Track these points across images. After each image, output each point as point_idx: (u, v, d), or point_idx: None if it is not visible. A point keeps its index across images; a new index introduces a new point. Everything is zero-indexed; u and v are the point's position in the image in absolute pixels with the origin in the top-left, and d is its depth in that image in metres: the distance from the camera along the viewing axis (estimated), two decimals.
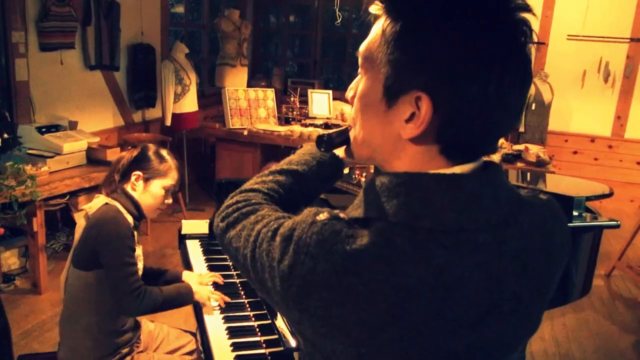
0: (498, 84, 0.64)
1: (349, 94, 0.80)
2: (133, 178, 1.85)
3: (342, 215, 0.69)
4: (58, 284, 1.97)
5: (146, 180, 1.87)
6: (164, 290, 1.81)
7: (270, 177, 0.93)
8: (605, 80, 5.82)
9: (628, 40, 5.68)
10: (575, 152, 6.09)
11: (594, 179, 4.37)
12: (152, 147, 1.93)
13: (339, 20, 4.04)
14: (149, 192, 1.88)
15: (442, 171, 0.68)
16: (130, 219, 1.83)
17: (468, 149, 0.70)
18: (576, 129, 6.08)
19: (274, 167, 0.96)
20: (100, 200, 1.83)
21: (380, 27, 0.70)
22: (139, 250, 1.88)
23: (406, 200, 0.67)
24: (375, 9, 0.72)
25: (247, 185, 0.92)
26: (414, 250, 0.64)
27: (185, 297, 1.83)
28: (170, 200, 1.97)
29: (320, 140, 0.92)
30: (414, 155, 0.71)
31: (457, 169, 0.69)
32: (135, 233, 1.86)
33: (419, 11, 0.66)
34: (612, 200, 2.77)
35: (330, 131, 0.94)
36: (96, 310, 1.79)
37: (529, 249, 0.72)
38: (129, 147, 1.96)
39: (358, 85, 0.77)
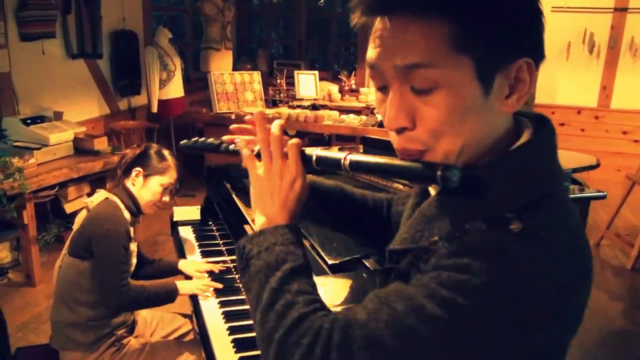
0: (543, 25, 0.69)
1: (401, 123, 0.67)
2: (133, 174, 1.94)
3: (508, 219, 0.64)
4: (52, 275, 1.99)
5: (145, 176, 1.95)
6: (147, 288, 1.86)
7: (289, 296, 0.70)
8: (590, 52, 5.83)
9: (612, 10, 5.69)
10: (562, 124, 6.13)
11: (581, 150, 4.41)
12: (154, 147, 2.02)
13: (322, 1, 4.00)
14: (147, 188, 1.96)
15: (529, 136, 0.70)
16: (127, 215, 1.90)
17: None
18: (562, 100, 6.11)
19: (261, 285, 0.72)
20: (101, 194, 1.91)
21: (431, 22, 0.63)
22: (133, 246, 1.94)
23: (546, 171, 0.69)
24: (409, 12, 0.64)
25: (285, 325, 0.67)
26: (569, 203, 0.69)
27: (169, 295, 1.89)
28: (168, 199, 2.02)
29: (450, 170, 0.62)
30: (505, 125, 0.71)
31: (530, 129, 0.72)
32: (132, 229, 1.92)
33: None
34: (598, 171, 2.80)
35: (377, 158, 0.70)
36: (88, 297, 1.83)
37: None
38: (134, 146, 2.07)
39: (415, 102, 0.66)
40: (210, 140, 0.96)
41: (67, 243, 1.91)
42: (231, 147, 0.92)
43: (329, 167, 0.76)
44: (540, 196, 0.65)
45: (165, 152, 2.01)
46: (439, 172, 0.62)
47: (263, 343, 0.70)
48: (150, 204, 1.98)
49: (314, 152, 0.77)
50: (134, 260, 1.96)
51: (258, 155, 0.81)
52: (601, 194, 1.95)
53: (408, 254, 0.72)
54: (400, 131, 0.68)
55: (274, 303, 0.70)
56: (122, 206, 1.89)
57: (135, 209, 1.94)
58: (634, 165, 5.06)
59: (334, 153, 0.75)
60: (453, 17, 0.62)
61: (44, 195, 3.52)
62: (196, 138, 1.02)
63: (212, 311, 1.72)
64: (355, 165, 0.71)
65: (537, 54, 0.66)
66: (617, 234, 4.17)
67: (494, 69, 0.65)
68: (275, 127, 0.79)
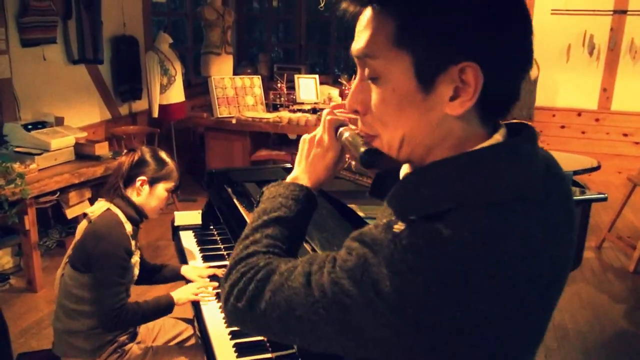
0: (526, 35, 0.67)
1: (354, 105, 0.74)
2: (138, 184, 1.90)
3: (405, 220, 0.65)
4: (53, 281, 1.99)
5: (151, 184, 1.92)
6: (142, 307, 1.84)
7: (259, 235, 0.82)
8: (590, 54, 5.84)
9: (611, 13, 5.70)
10: (562, 127, 6.13)
11: (582, 153, 4.41)
12: (148, 150, 1.96)
13: (322, 4, 4.01)
14: (154, 195, 1.93)
15: (492, 142, 0.69)
16: (129, 227, 1.87)
17: (502, 111, 0.71)
18: (563, 103, 6.11)
19: (252, 223, 0.85)
20: (102, 205, 1.87)
21: (381, 16, 0.68)
22: (135, 258, 1.92)
23: (477, 180, 0.65)
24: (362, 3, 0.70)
25: (239, 254, 0.81)
26: (503, 226, 0.63)
27: (166, 309, 1.88)
28: (170, 200, 1.99)
29: (372, 155, 0.75)
30: (459, 130, 0.69)
31: (499, 136, 0.70)
32: (134, 243, 1.89)
33: None
34: (599, 173, 2.80)
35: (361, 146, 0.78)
36: (89, 308, 1.82)
37: (570, 216, 0.73)
38: (125, 152, 1.99)
39: (368, 89, 0.72)
40: None
41: (69, 251, 1.89)
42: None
43: (345, 148, 0.86)
44: (453, 207, 0.63)
45: (163, 155, 1.98)
46: (359, 154, 0.75)
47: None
48: (157, 209, 1.97)
49: (345, 133, 0.85)
50: (136, 272, 1.94)
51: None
52: (602, 195, 1.95)
53: None
54: (356, 114, 0.76)
55: (247, 237, 0.83)
56: (123, 218, 1.86)
57: (139, 216, 1.92)
58: (634, 167, 5.07)
59: (357, 139, 0.81)
60: (396, 14, 0.66)
61: (46, 201, 3.53)
62: None
63: (213, 316, 1.72)
64: (343, 141, 0.84)
65: (488, 60, 0.65)
66: (618, 236, 4.17)
67: (433, 68, 0.66)
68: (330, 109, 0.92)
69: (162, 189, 1.94)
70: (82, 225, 1.89)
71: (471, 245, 0.61)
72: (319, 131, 0.91)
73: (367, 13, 0.70)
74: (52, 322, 1.94)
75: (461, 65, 0.64)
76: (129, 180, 1.91)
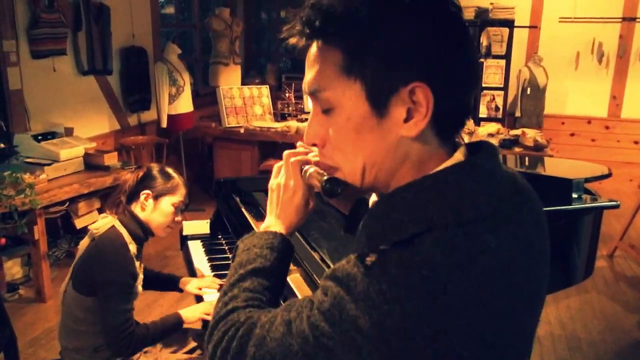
0: (468, 51, 0.68)
1: (312, 139, 0.75)
2: (142, 197, 1.87)
3: (376, 251, 0.64)
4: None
5: (155, 198, 1.89)
6: (150, 328, 1.83)
7: (237, 290, 0.80)
8: (599, 61, 5.81)
9: (620, 20, 5.67)
10: (572, 135, 6.09)
11: (592, 161, 4.37)
12: (156, 166, 1.96)
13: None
14: (159, 210, 1.90)
15: (453, 161, 0.69)
16: (133, 247, 1.83)
17: (457, 127, 0.71)
18: (572, 111, 6.08)
19: (229, 278, 0.84)
20: (107, 221, 1.83)
21: (326, 49, 0.68)
22: (140, 275, 1.90)
23: (444, 201, 0.64)
24: (305, 38, 0.71)
25: (219, 313, 0.79)
26: (475, 245, 0.62)
27: (174, 329, 1.87)
28: (180, 218, 1.98)
29: (333, 184, 0.74)
30: (418, 151, 0.70)
31: (459, 154, 0.70)
32: (138, 263, 1.86)
33: (375, 17, 0.65)
34: (611, 181, 2.77)
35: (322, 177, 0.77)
36: (93, 330, 1.81)
37: (541, 230, 0.73)
38: (133, 168, 1.98)
39: (324, 122, 0.72)
40: None
41: (71, 270, 1.86)
42: None
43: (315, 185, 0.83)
44: (425, 230, 0.62)
45: (170, 170, 1.96)
46: (321, 184, 0.74)
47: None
48: (164, 227, 1.93)
49: (310, 169, 0.84)
50: (140, 289, 1.91)
51: None
52: (614, 203, 1.93)
53: None
54: (315, 146, 0.76)
55: (226, 294, 0.82)
56: (128, 238, 1.82)
57: (144, 234, 1.88)
58: None
59: (318, 174, 0.80)
60: (339, 44, 0.67)
61: (55, 211, 3.54)
62: None
63: None
64: (307, 176, 0.83)
65: (435, 78, 0.65)
66: (631, 245, 4.12)
67: (383, 92, 0.66)
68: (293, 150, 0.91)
69: (167, 203, 1.90)
70: (85, 242, 1.85)
71: (445, 267, 0.60)
72: (283, 176, 0.89)
73: (313, 48, 0.71)
74: (57, 337, 1.93)
75: (411, 86, 0.65)
76: (134, 196, 1.89)
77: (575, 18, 5.63)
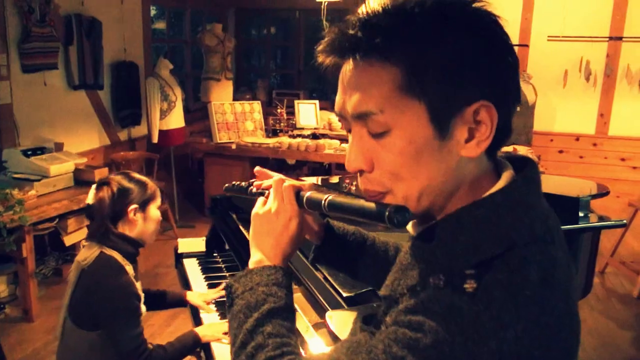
0: (517, 69, 0.68)
1: (358, 165, 0.69)
2: (131, 214, 1.77)
3: (463, 275, 0.61)
4: (50, 310, 1.92)
5: (142, 210, 1.81)
6: (168, 349, 1.75)
7: (260, 338, 0.73)
8: (587, 79, 5.89)
9: (607, 39, 5.76)
10: (560, 151, 6.14)
11: (581, 177, 4.41)
12: (120, 177, 1.80)
13: (326, 31, 4.03)
14: (149, 219, 1.83)
15: (508, 178, 0.68)
16: (130, 269, 1.75)
17: (502, 145, 0.70)
18: (561, 128, 6.14)
19: (240, 325, 0.76)
20: (94, 251, 1.72)
21: (380, 67, 0.64)
22: (142, 294, 1.81)
23: (516, 219, 0.63)
24: (362, 57, 0.65)
25: None
26: (550, 261, 0.63)
27: (193, 347, 1.77)
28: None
29: (404, 214, 0.66)
30: (474, 171, 0.68)
31: (510, 171, 0.69)
32: (138, 284, 1.78)
33: (431, 37, 0.63)
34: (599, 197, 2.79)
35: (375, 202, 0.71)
36: None
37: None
38: (94, 187, 1.79)
39: (372, 146, 0.68)
40: (244, 183, 1.03)
41: (65, 309, 1.75)
42: (253, 189, 0.98)
43: (315, 207, 0.79)
44: (506, 250, 0.61)
45: (137, 176, 1.84)
46: (387, 212, 0.65)
47: None
48: (155, 233, 1.88)
49: (307, 194, 0.81)
50: (144, 309, 1.82)
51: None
52: (622, 222, 1.94)
53: (384, 301, 0.73)
54: (360, 173, 0.70)
55: (246, 344, 0.73)
56: (121, 260, 1.73)
57: (135, 249, 1.81)
58: (633, 191, 5.07)
59: (320, 195, 0.78)
60: (400, 63, 0.63)
61: (44, 228, 3.48)
62: (235, 182, 1.07)
63: (221, 347, 1.68)
64: (331, 206, 0.75)
65: (497, 96, 0.64)
66: (621, 262, 4.14)
67: (447, 112, 0.64)
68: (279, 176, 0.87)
69: (154, 209, 1.84)
70: (74, 274, 1.74)
71: (541, 286, 0.60)
72: (271, 203, 0.84)
73: (355, 66, 0.66)
74: None
75: (476, 105, 0.64)
76: (117, 216, 1.77)
77: (563, 37, 5.71)
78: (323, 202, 0.77)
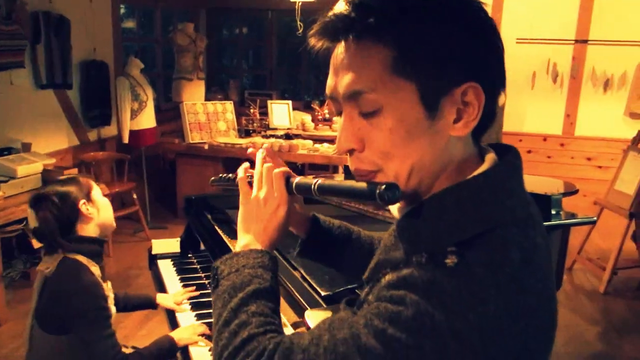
0: (503, 53, 0.69)
1: (349, 145, 0.70)
2: (84, 209, 1.73)
3: (446, 252, 0.62)
4: (18, 314, 1.88)
5: (90, 200, 1.77)
6: (145, 354, 1.72)
7: (244, 316, 0.73)
8: (554, 81, 6.02)
9: (573, 42, 5.91)
10: (529, 151, 6.27)
11: (549, 177, 4.51)
12: (54, 186, 1.76)
13: (300, 31, 4.04)
14: (101, 205, 1.79)
15: (491, 162, 0.70)
16: (96, 269, 1.72)
17: (487, 128, 0.72)
18: (529, 128, 6.26)
19: (224, 305, 0.76)
20: (56, 257, 1.69)
21: (371, 47, 0.66)
22: (110, 294, 1.79)
23: (498, 201, 0.65)
24: (352, 39, 0.67)
25: (231, 344, 0.72)
26: (531, 243, 0.65)
27: (169, 351, 1.73)
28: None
29: (394, 191, 0.66)
30: (461, 153, 0.70)
31: (492, 155, 0.71)
32: (105, 285, 1.75)
33: (422, 18, 0.65)
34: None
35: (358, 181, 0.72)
36: None
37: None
38: (31, 204, 1.73)
39: (364, 125, 0.69)
40: (231, 175, 1.00)
41: (32, 314, 1.71)
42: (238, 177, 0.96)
43: (305, 192, 0.81)
44: (487, 230, 0.63)
45: (64, 177, 1.82)
46: (377, 190, 0.66)
47: (215, 358, 0.74)
48: (112, 215, 1.84)
49: (296, 179, 0.82)
50: (113, 310, 1.79)
51: (252, 183, 0.88)
52: (592, 219, 1.99)
53: (367, 284, 0.74)
54: (351, 153, 0.71)
55: (230, 322, 0.73)
56: (85, 260, 1.70)
57: (99, 246, 1.77)
58: (598, 190, 5.20)
59: (309, 180, 0.80)
60: (392, 43, 0.65)
61: (11, 230, 3.39)
62: (221, 174, 1.05)
63: (200, 350, 1.66)
64: (321, 189, 0.76)
65: (484, 79, 0.66)
66: (588, 258, 4.25)
67: (437, 92, 0.66)
68: (262, 153, 0.88)
69: (98, 196, 1.80)
70: (39, 282, 1.71)
71: (522, 265, 0.62)
72: (260, 190, 0.84)
73: (347, 47, 0.68)
74: None
75: (464, 86, 0.65)
76: (71, 220, 1.72)
77: (531, 39, 5.83)
78: (313, 186, 0.77)
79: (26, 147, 3.89)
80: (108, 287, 1.81)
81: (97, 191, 1.80)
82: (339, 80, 0.69)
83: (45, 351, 1.70)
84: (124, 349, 1.71)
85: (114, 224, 1.87)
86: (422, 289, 0.60)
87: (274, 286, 0.79)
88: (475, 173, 0.67)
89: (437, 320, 0.58)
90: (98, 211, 1.78)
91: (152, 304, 2.02)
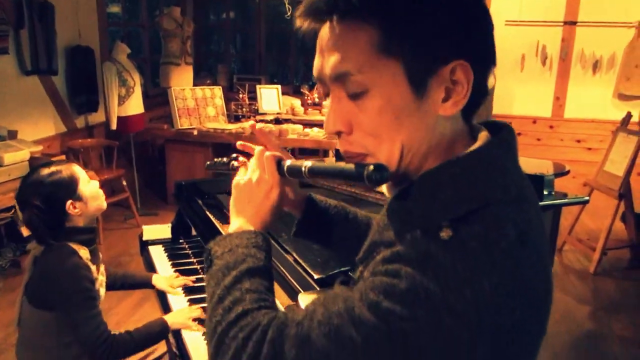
0: (492, 31, 0.68)
1: (336, 127, 0.70)
2: (71, 210, 1.69)
3: (442, 226, 0.62)
4: (7, 303, 1.87)
5: (78, 197, 1.71)
6: (134, 335, 1.71)
7: (238, 293, 0.73)
8: (543, 63, 6.03)
9: (562, 24, 5.91)
10: (519, 134, 6.28)
11: (539, 159, 4.53)
12: (36, 187, 1.67)
13: (289, 13, 3.99)
14: (89, 198, 1.74)
15: (484, 139, 0.68)
16: (85, 252, 1.71)
17: (478, 106, 0.71)
18: (519, 111, 6.28)
19: (219, 282, 0.76)
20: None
21: (357, 27, 0.64)
22: (100, 278, 1.79)
23: (491, 178, 0.65)
24: (335, 20, 0.66)
25: (225, 319, 0.70)
26: (525, 219, 0.64)
27: (160, 335, 1.74)
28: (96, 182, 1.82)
29: (382, 172, 0.66)
30: (450, 132, 0.69)
31: (485, 133, 0.70)
32: (94, 267, 1.74)
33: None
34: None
35: (344, 162, 0.73)
36: (58, 352, 1.70)
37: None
38: (12, 208, 1.70)
39: (351, 107, 0.68)
40: (225, 159, 1.02)
41: (22, 289, 1.73)
42: (234, 164, 0.98)
43: (296, 175, 0.81)
44: (482, 206, 0.62)
45: (46, 172, 1.68)
46: (365, 171, 0.65)
47: (208, 336, 0.73)
48: (101, 201, 1.79)
49: (287, 162, 0.83)
50: (102, 293, 1.79)
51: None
52: (585, 198, 2.00)
53: (360, 264, 0.74)
54: (339, 135, 0.71)
55: (224, 299, 0.73)
56: (74, 245, 1.69)
57: (90, 233, 1.76)
58: (587, 172, 5.24)
59: (300, 162, 0.80)
60: (377, 22, 0.63)
61: (0, 218, 3.36)
62: (216, 159, 1.07)
63: (197, 345, 1.65)
64: (312, 171, 0.77)
65: (474, 56, 0.65)
66: (578, 239, 4.29)
67: (424, 71, 0.64)
68: (258, 131, 0.92)
69: (85, 187, 1.73)
70: (29, 261, 1.73)
71: (517, 241, 0.62)
72: (252, 173, 0.85)
73: (332, 28, 0.66)
74: (16, 354, 1.80)
75: (452, 64, 0.64)
76: (59, 218, 1.69)
77: (520, 21, 5.82)
78: (303, 168, 0.78)
79: (12, 135, 3.83)
80: (101, 271, 1.80)
81: (84, 182, 1.74)
82: (325, 62, 0.68)
83: (33, 323, 1.72)
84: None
85: (104, 206, 1.83)
86: (416, 261, 0.60)
87: (268, 265, 0.79)
88: (468, 151, 0.67)
89: (431, 292, 0.57)
90: (87, 204, 1.74)
91: (149, 284, 2.02)
